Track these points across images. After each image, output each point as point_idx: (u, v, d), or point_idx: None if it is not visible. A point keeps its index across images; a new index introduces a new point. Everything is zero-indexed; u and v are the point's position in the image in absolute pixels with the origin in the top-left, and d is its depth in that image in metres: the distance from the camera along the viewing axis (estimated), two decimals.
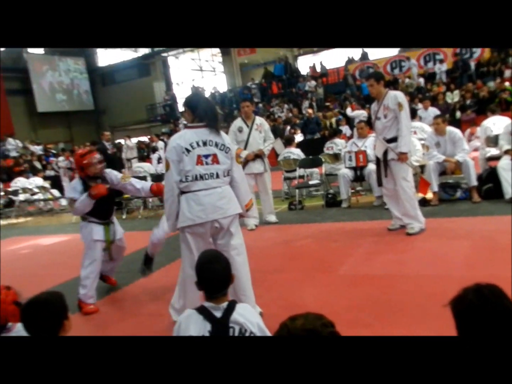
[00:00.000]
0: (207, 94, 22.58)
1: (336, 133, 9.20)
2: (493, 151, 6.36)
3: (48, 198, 11.07)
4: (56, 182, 13.12)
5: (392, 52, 19.26)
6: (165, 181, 3.07)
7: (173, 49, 23.54)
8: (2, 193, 10.70)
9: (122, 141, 16.74)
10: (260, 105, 18.67)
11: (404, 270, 3.83)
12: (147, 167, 9.61)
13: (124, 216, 8.67)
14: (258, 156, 5.99)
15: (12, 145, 18.14)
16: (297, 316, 1.49)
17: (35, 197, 10.91)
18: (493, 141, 6.39)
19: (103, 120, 25.38)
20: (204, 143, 2.92)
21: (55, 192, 11.42)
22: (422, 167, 6.13)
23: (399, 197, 4.78)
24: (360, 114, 13.14)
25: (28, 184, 10.97)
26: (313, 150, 9.27)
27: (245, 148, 6.00)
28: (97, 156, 3.99)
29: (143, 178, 7.38)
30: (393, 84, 15.26)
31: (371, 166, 6.03)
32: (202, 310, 2.00)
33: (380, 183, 5.00)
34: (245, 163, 5.98)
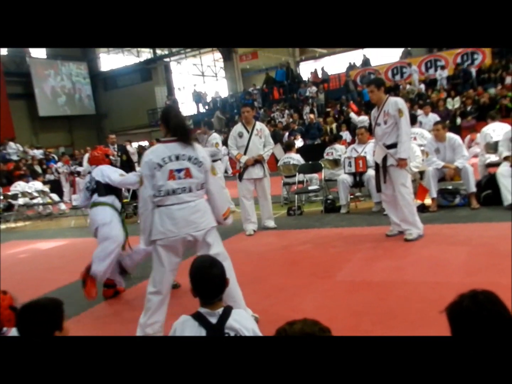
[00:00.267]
0: (208, 99, 22.70)
1: (336, 138, 9.21)
2: (493, 158, 6.36)
3: (47, 202, 11.09)
4: (55, 187, 13.14)
5: (394, 58, 19.35)
6: (139, 196, 3.11)
7: (175, 54, 23.67)
8: (2, 197, 10.70)
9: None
10: (261, 110, 18.71)
11: (402, 276, 3.82)
12: None
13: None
14: (258, 161, 6.00)
15: (13, 149, 18.18)
16: (294, 322, 1.49)
17: (34, 201, 10.92)
18: (492, 147, 6.39)
19: (104, 124, 25.46)
20: (177, 158, 2.91)
21: (55, 197, 11.43)
22: (422, 173, 6.13)
23: (398, 203, 4.77)
24: (365, 120, 13.15)
25: (28, 188, 10.98)
26: (313, 156, 9.28)
27: (245, 153, 6.00)
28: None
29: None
30: (394, 90, 15.29)
31: (371, 172, 6.03)
32: (197, 316, 1.99)
33: (379, 189, 4.99)
34: (244, 168, 6.00)
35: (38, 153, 18.36)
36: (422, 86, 15.83)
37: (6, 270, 5.33)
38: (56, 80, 23.19)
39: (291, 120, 16.46)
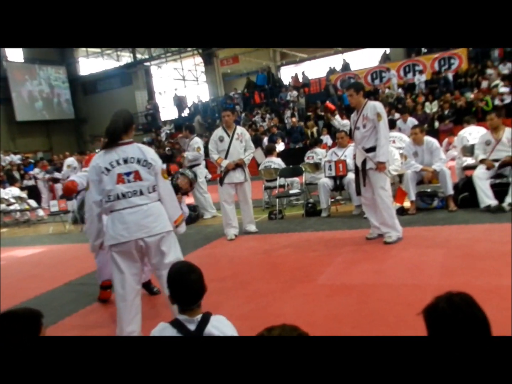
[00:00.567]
0: (189, 104, 22.63)
1: (317, 142, 9.26)
2: (469, 161, 6.47)
3: (25, 208, 10.88)
4: (33, 192, 12.90)
5: (373, 63, 19.61)
6: (85, 200, 3.08)
7: (156, 59, 23.52)
8: None
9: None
10: (243, 114, 18.73)
11: (381, 279, 3.84)
12: None
13: None
14: (239, 165, 5.99)
15: None
16: (273, 327, 1.48)
17: (12, 207, 10.69)
18: (469, 150, 6.50)
19: (84, 129, 25.12)
20: (125, 161, 2.87)
21: (32, 203, 11.22)
22: (400, 176, 6.20)
23: (377, 206, 4.82)
24: (348, 124, 13.25)
25: (5, 195, 10.75)
26: (294, 160, 9.32)
27: (225, 157, 5.99)
28: None
29: None
30: (373, 94, 15.47)
31: (351, 176, 6.07)
32: (175, 324, 1.96)
33: (358, 192, 5.03)
34: (225, 172, 5.98)
35: (16, 158, 18.01)
36: (401, 91, 16.06)
37: None
38: (33, 85, 22.80)
39: (272, 124, 16.52)
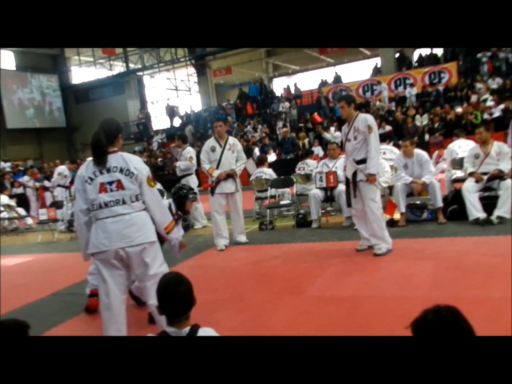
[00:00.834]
0: (181, 113, 22.67)
1: (308, 153, 9.30)
2: (458, 174, 6.54)
3: (13, 216, 10.76)
4: (22, 200, 12.77)
5: (365, 76, 19.84)
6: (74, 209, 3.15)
7: (149, 68, 23.56)
8: None
9: None
10: (235, 125, 18.80)
11: (371, 291, 3.85)
12: None
13: None
14: (230, 175, 5.99)
15: None
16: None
17: (0, 215, 10.57)
18: (458, 163, 6.57)
19: (75, 137, 25.01)
20: (108, 170, 2.88)
21: (21, 211, 11.11)
22: (391, 188, 6.24)
23: (367, 218, 4.84)
24: (339, 136, 13.37)
25: None
26: (285, 170, 9.35)
27: (217, 168, 5.99)
28: None
29: None
30: (364, 106, 15.62)
31: (341, 187, 6.10)
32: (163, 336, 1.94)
33: (349, 204, 5.05)
34: (216, 182, 5.98)
35: (6, 166, 17.85)
36: (392, 103, 16.24)
37: None
38: (25, 92, 22.71)
39: (263, 135, 16.59)
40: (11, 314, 4.13)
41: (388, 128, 13.16)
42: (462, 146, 6.98)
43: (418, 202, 6.25)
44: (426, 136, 13.24)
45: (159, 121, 24.09)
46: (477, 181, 5.67)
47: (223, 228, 6.07)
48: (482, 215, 5.45)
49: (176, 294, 1.97)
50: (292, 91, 20.62)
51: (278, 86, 24.87)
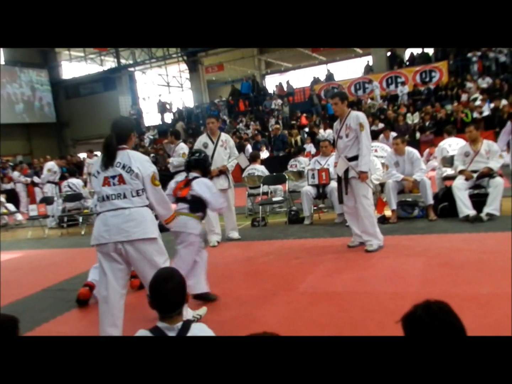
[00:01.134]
0: (174, 110, 22.57)
1: (300, 151, 9.32)
2: (449, 171, 6.59)
3: (3, 212, 10.66)
4: (12, 196, 12.65)
5: (357, 74, 19.89)
6: None
7: (140, 64, 23.41)
8: None
9: (84, 155, 16.39)
10: (227, 121, 18.76)
11: (362, 287, 3.88)
12: None
13: (83, 232, 8.45)
14: (222, 172, 5.99)
15: None
16: (254, 335, 1.49)
17: None
18: (448, 161, 6.63)
19: (65, 133, 24.80)
20: (113, 165, 2.97)
21: (11, 207, 11.01)
22: (382, 185, 6.28)
23: (359, 215, 4.87)
24: (331, 133, 13.40)
25: None
26: (278, 167, 9.36)
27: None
28: None
29: None
30: (356, 105, 15.67)
31: (333, 184, 6.13)
32: (155, 331, 1.94)
33: (341, 201, 5.08)
34: (209, 179, 5.96)
35: None
36: (383, 101, 16.30)
37: None
38: (14, 87, 22.44)
39: (256, 132, 16.59)
40: (2, 310, 4.10)
41: (381, 125, 13.22)
42: (452, 145, 7.03)
43: (409, 199, 6.29)
44: (417, 134, 13.33)
45: (151, 117, 23.97)
46: (467, 179, 5.73)
47: (216, 224, 6.07)
48: (472, 212, 5.50)
49: (165, 291, 1.96)
50: (285, 89, 20.62)
51: (271, 83, 24.84)
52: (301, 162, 8.23)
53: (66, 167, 13.34)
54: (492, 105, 12.93)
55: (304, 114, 16.94)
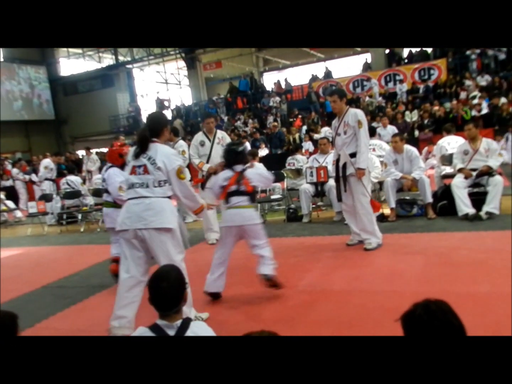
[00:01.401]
0: (172, 107, 22.53)
1: (298, 149, 9.30)
2: (448, 169, 6.60)
3: (2, 209, 10.64)
4: (11, 193, 12.63)
5: (355, 71, 19.86)
6: None
7: (138, 61, 23.35)
8: None
9: (83, 152, 16.36)
10: (225, 119, 18.73)
11: (361, 285, 3.89)
12: None
13: (82, 229, 8.45)
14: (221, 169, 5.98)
15: None
16: (252, 334, 1.50)
17: None
18: (447, 159, 6.63)
19: (64, 130, 24.74)
20: (140, 156, 3.14)
21: (10, 204, 10.99)
22: (381, 183, 6.29)
23: (358, 212, 4.87)
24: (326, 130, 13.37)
25: None
26: (276, 165, 9.35)
27: (207, 162, 5.98)
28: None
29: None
30: (355, 102, 15.66)
31: (332, 182, 6.12)
32: (155, 329, 1.94)
33: (339, 199, 5.08)
34: (207, 176, 5.97)
35: None
36: (382, 99, 16.29)
37: None
38: (12, 84, 22.36)
39: (254, 129, 16.57)
40: (1, 307, 4.10)
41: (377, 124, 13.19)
42: (451, 143, 7.03)
43: (408, 198, 6.30)
44: (416, 132, 13.32)
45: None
46: (466, 177, 5.74)
47: (214, 222, 6.07)
48: (471, 210, 5.51)
49: (160, 290, 1.96)
50: (283, 86, 20.57)
51: (269, 80, 24.77)
52: (299, 161, 8.23)
53: (65, 164, 13.33)
54: (489, 103, 12.95)
55: (300, 116, 16.85)
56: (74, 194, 9.11)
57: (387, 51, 18.41)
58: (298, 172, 7.70)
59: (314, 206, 7.12)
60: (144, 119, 22.93)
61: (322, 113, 16.80)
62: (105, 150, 18.81)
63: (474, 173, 5.73)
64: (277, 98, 18.35)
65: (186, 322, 1.97)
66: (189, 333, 1.92)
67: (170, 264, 2.86)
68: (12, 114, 22.29)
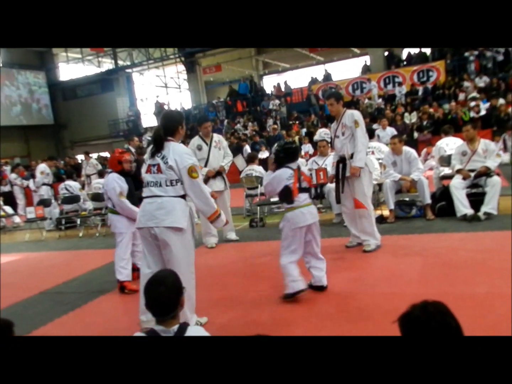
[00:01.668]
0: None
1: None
2: (446, 171, 6.60)
3: (1, 215, 10.63)
4: (9, 199, 12.60)
5: (354, 74, 19.90)
6: None
7: (138, 65, 23.40)
8: None
9: (82, 156, 16.34)
10: (225, 122, 18.75)
11: (360, 287, 3.87)
12: None
13: (80, 234, 8.43)
14: (219, 173, 5.98)
15: None
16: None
17: None
18: (446, 161, 6.63)
19: (63, 134, 24.77)
20: (156, 155, 3.19)
21: (8, 209, 10.98)
22: (380, 185, 6.28)
23: (357, 214, 4.86)
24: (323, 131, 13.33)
25: None
26: None
27: (205, 166, 5.97)
28: (131, 156, 4.81)
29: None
30: (354, 104, 15.67)
31: (331, 184, 6.11)
32: (151, 334, 1.93)
33: (338, 201, 5.07)
34: (206, 180, 5.95)
35: None
36: (381, 101, 16.31)
37: None
38: (11, 89, 22.40)
39: (254, 132, 16.58)
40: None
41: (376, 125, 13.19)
42: (449, 144, 7.04)
43: (406, 199, 6.29)
44: (415, 134, 13.32)
45: (149, 119, 23.94)
46: (464, 178, 5.73)
47: (212, 226, 6.04)
48: (469, 211, 5.50)
49: (157, 294, 1.93)
50: (282, 89, 20.63)
51: (268, 83, 24.83)
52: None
53: (64, 169, 13.33)
54: (487, 104, 12.95)
55: (297, 122, 16.81)
56: (73, 199, 9.10)
57: (386, 53, 18.45)
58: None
59: None
60: (143, 123, 23.01)
61: (322, 116, 16.81)
62: (104, 154, 18.84)
63: (472, 174, 5.72)
64: (277, 101, 18.39)
65: (183, 327, 1.95)
66: None
67: (167, 269, 2.85)
68: (11, 119, 22.33)
